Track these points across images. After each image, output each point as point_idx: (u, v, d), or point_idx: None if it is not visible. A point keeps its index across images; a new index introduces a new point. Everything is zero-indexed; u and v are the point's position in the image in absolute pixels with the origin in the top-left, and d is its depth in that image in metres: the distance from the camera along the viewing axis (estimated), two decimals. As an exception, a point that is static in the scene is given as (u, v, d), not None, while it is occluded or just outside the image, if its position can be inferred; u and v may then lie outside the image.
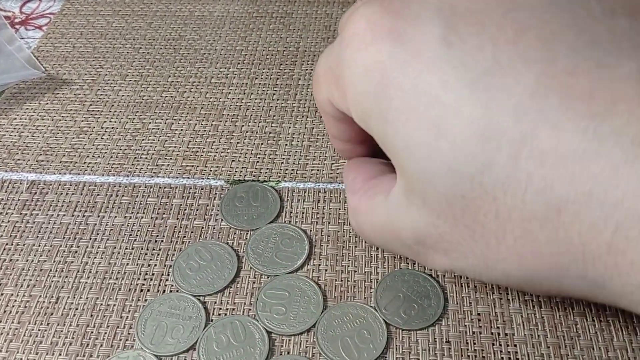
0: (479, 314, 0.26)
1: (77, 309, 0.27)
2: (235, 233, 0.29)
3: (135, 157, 0.33)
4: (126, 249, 0.29)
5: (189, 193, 0.31)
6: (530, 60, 0.18)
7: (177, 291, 0.27)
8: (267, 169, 0.32)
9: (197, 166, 0.32)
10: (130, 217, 0.30)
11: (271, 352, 0.25)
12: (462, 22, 0.19)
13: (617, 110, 0.17)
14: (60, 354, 0.26)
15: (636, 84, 0.17)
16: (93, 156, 0.33)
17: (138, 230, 0.30)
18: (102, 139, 0.34)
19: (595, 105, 0.17)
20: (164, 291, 0.28)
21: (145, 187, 0.31)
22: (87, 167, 0.33)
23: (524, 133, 0.18)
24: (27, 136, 0.35)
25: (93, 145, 0.34)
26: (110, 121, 0.35)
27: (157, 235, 0.30)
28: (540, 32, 0.18)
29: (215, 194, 0.31)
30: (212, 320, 0.26)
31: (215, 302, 0.27)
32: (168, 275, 0.28)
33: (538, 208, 0.18)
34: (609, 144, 0.17)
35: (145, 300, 0.27)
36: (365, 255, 0.28)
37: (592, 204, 0.17)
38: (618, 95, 0.17)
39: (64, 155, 0.34)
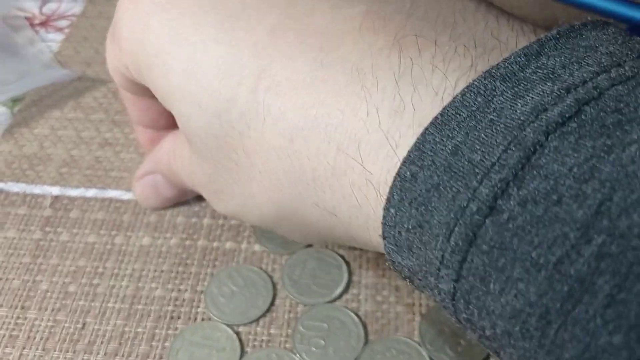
0: (528, 351, 0.25)
1: (104, 336, 0.26)
2: (269, 257, 0.28)
3: (162, 172, 0.32)
4: (155, 271, 0.28)
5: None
6: (273, 4, 0.20)
7: (210, 319, 0.26)
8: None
9: (228, 183, 0.31)
10: (159, 238, 0.29)
11: (310, 389, 0.24)
12: None
13: (342, 42, 0.18)
14: (87, 385, 0.25)
15: (360, 21, 0.18)
16: (118, 169, 0.32)
17: (167, 252, 0.28)
18: (127, 151, 0.33)
19: (325, 40, 0.18)
20: (196, 319, 0.26)
21: (174, 205, 0.30)
22: (112, 180, 0.31)
23: (261, 67, 0.19)
24: (49, 147, 0.33)
25: (118, 157, 0.33)
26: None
27: (187, 258, 0.28)
28: None
29: (248, 214, 0.30)
30: (246, 352, 0.25)
31: (250, 333, 0.26)
32: (199, 301, 0.27)
33: (275, 138, 0.19)
34: (333, 71, 0.18)
35: (176, 328, 0.26)
36: (406, 285, 0.27)
37: (317, 129, 0.18)
38: (345, 31, 0.18)
39: (88, 168, 0.32)
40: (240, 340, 0.25)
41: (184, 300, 0.27)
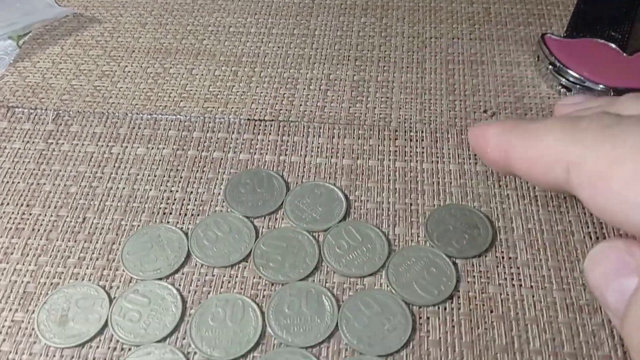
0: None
1: (102, 228, 0.28)
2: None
3: (157, 99, 0.34)
4: (149, 176, 0.30)
5: (209, 127, 0.32)
6: None
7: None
8: (287, 110, 0.33)
9: (218, 107, 0.34)
10: (153, 148, 0.32)
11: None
12: None
13: None
14: (87, 268, 0.27)
15: None
16: (116, 97, 0.35)
17: (160, 160, 0.31)
18: (124, 82, 0.36)
19: None
20: (186, 214, 0.29)
21: (167, 121, 0.33)
22: (111, 107, 0.34)
23: None
24: (51, 77, 0.36)
25: (116, 87, 0.35)
26: (131, 65, 0.36)
27: (179, 165, 0.31)
28: None
29: (234, 129, 0.32)
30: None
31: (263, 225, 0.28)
32: (189, 200, 0.29)
33: None
34: None
35: (168, 222, 0.29)
36: (376, 187, 0.30)
37: None
38: None
39: (87, 96, 0.35)
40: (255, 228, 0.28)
41: (175, 199, 0.29)
